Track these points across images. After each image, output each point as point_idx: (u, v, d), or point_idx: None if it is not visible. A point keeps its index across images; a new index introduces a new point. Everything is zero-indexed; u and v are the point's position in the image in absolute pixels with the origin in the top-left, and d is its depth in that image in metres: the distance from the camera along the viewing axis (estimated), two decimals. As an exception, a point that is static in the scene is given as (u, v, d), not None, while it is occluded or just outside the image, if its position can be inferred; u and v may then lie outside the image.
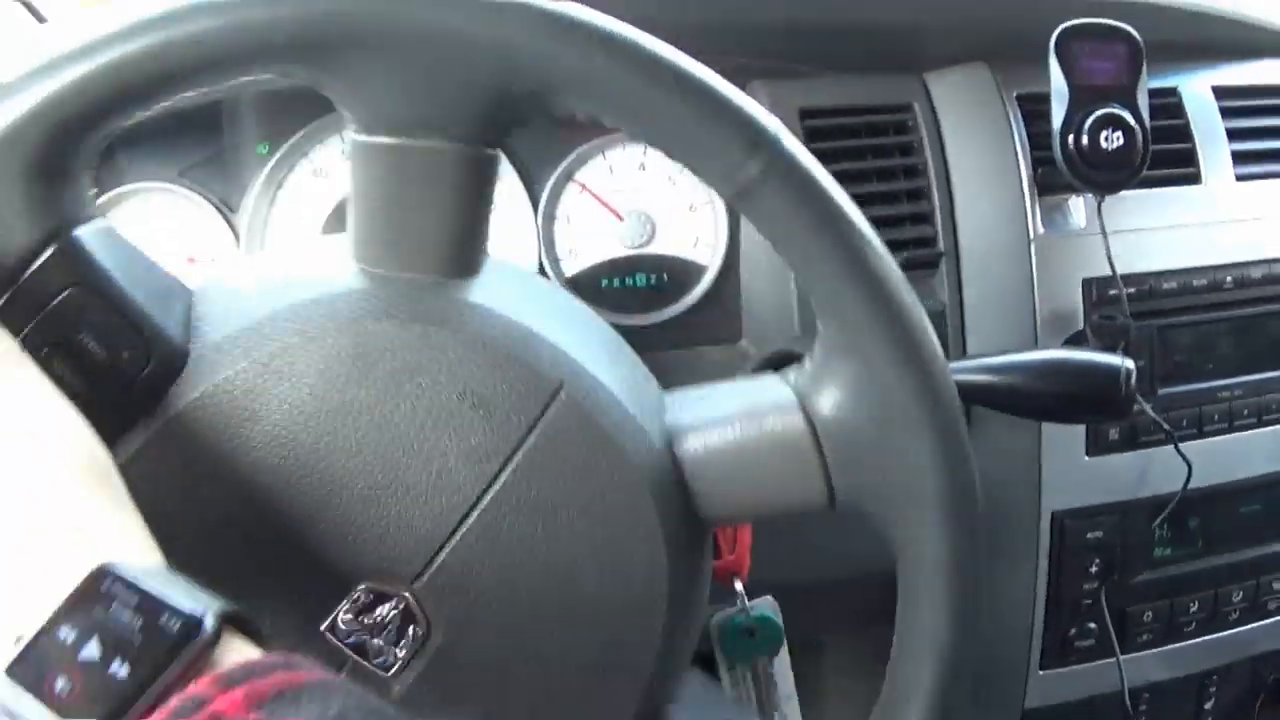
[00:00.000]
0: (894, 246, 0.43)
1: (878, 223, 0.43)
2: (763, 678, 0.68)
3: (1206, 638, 0.86)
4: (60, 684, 0.28)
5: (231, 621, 0.30)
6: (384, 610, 0.41)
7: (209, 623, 0.29)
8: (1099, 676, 0.83)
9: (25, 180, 0.38)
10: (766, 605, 0.68)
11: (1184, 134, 0.82)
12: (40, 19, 0.80)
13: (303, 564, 0.41)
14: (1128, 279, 0.77)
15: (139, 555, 0.32)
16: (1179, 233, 0.80)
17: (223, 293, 0.44)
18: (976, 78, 0.77)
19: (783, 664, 0.69)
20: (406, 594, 0.42)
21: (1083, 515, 0.79)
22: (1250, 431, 0.82)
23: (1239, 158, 0.84)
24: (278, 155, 0.76)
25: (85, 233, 0.40)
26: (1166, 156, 0.81)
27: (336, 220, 0.76)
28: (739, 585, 0.64)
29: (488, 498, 0.41)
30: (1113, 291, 0.75)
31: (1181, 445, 0.78)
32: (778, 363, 0.62)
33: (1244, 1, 0.89)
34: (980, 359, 0.64)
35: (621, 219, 0.76)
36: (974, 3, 0.78)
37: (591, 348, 0.45)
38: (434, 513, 0.41)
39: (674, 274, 0.77)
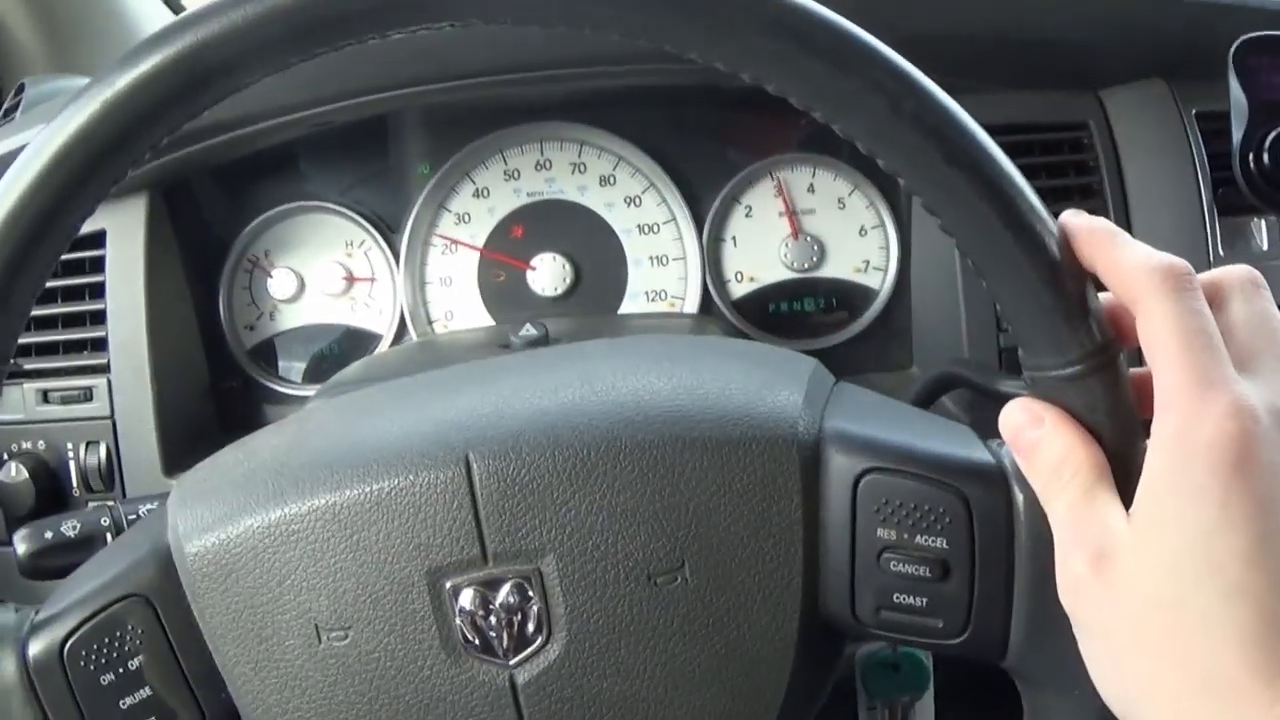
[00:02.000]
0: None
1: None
2: (900, 720, 0.65)
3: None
4: None
5: None
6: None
7: None
8: None
9: None
10: (916, 644, 0.66)
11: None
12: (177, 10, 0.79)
13: None
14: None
15: None
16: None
17: None
18: (1154, 94, 0.75)
19: (925, 709, 0.66)
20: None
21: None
22: None
23: None
24: (438, 174, 0.74)
25: None
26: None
27: (498, 239, 0.75)
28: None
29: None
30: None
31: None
32: (942, 386, 0.60)
33: None
34: None
35: (796, 238, 0.74)
36: (1151, 17, 0.76)
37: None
38: None
39: (844, 298, 0.75)
